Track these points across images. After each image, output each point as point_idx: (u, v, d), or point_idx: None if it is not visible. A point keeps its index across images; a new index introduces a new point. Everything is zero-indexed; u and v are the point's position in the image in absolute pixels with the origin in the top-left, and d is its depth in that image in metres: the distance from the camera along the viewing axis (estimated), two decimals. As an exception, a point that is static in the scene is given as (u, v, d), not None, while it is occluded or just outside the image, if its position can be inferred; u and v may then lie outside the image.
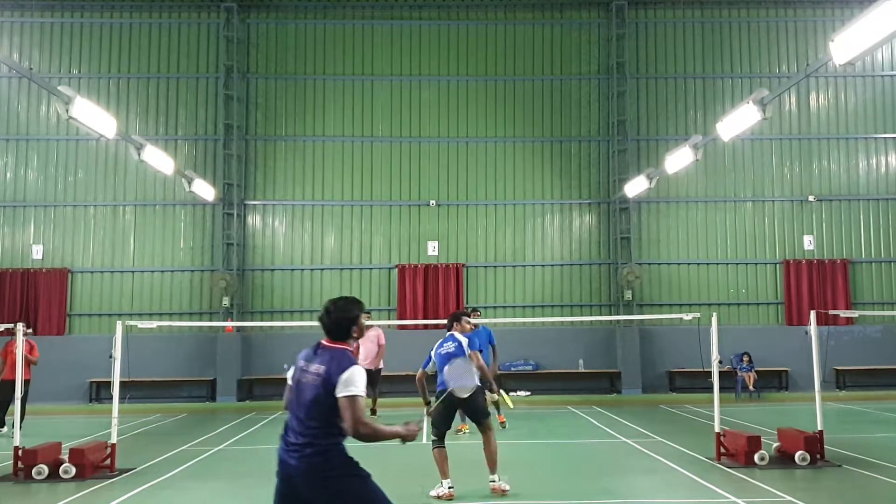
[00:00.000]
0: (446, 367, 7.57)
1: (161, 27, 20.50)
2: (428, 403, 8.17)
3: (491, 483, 7.92)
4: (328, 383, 4.07)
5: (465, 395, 7.17)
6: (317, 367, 4.19)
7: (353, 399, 4.02)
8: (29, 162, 20.06)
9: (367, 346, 14.90)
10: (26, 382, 12.60)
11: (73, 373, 18.54)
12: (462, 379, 6.99)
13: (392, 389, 18.11)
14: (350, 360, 4.18)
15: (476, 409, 8.13)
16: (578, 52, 20.84)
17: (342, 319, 4.35)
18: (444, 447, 8.02)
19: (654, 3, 20.87)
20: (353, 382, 4.05)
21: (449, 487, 7.83)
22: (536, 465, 9.92)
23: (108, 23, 20.45)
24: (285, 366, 17.48)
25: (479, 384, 7.89)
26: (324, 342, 4.35)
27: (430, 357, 8.49)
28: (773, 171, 20.56)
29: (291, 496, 4.11)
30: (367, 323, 14.57)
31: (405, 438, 4.21)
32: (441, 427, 8.16)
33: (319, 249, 20.13)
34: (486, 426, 8.09)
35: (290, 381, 4.38)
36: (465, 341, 8.33)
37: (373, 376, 14.74)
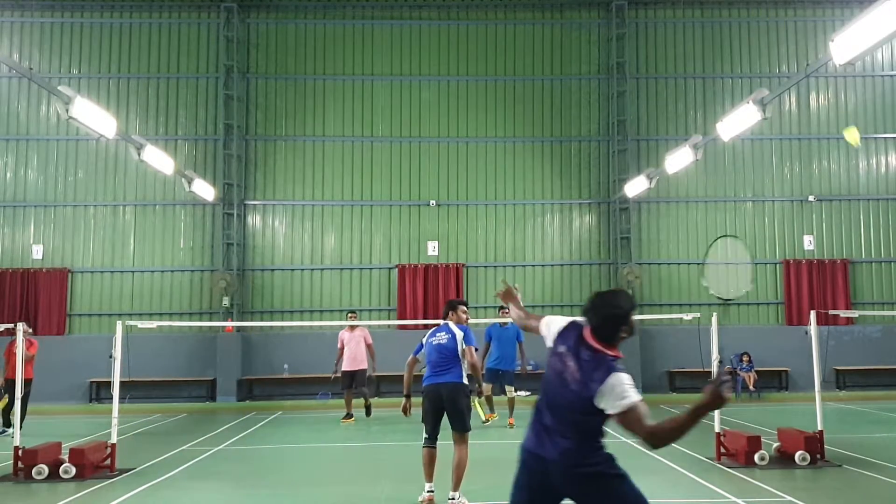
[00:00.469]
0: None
1: (161, 27, 20.50)
2: (408, 396, 7.78)
3: (450, 501, 7.21)
4: (585, 393, 3.59)
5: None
6: (574, 367, 3.67)
7: (630, 411, 3.50)
8: (29, 162, 20.06)
9: (352, 347, 14.41)
10: (28, 381, 12.63)
11: (73, 373, 18.54)
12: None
13: (392, 389, 18.12)
14: (609, 368, 3.59)
15: (457, 413, 7.39)
16: (578, 52, 20.84)
17: (609, 316, 3.70)
18: (433, 448, 7.44)
19: (654, 3, 20.88)
20: (623, 393, 3.51)
21: (428, 491, 7.37)
22: (536, 465, 9.91)
23: (108, 23, 20.45)
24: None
25: (465, 384, 7.48)
26: (587, 336, 3.73)
27: (421, 344, 7.81)
28: (773, 171, 20.56)
29: (538, 484, 3.72)
30: (353, 323, 14.41)
31: (716, 405, 3.41)
32: (431, 426, 7.50)
33: (319, 249, 20.13)
34: (462, 438, 7.33)
35: (550, 345, 3.91)
36: (460, 334, 7.59)
37: (359, 377, 14.43)
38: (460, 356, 7.52)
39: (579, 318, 3.85)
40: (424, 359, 7.71)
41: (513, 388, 13.37)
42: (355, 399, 14.65)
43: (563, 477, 3.66)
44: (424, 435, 7.53)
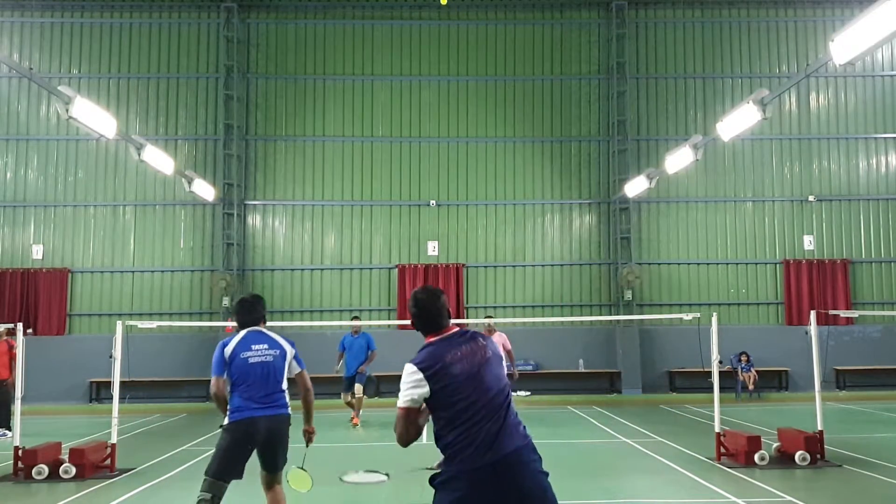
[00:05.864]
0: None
1: (161, 27, 20.50)
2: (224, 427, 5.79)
3: None
4: None
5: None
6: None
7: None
8: (29, 162, 20.07)
9: None
10: (2, 382, 12.71)
11: (73, 373, 18.55)
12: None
13: (392, 389, 18.09)
14: None
15: (282, 452, 5.81)
16: (578, 52, 20.84)
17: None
18: None
19: (654, 3, 20.88)
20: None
21: None
22: (536, 465, 9.92)
23: (108, 23, 20.46)
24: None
25: (288, 413, 5.85)
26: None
27: (222, 358, 5.66)
28: (773, 171, 20.57)
29: None
30: (491, 320, 12.66)
31: None
32: (232, 472, 5.71)
33: (319, 249, 20.14)
34: (277, 479, 5.86)
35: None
36: (290, 350, 5.77)
37: None
38: (286, 381, 5.79)
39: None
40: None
41: (361, 388, 14.13)
42: None
43: None
44: (206, 494, 5.62)
